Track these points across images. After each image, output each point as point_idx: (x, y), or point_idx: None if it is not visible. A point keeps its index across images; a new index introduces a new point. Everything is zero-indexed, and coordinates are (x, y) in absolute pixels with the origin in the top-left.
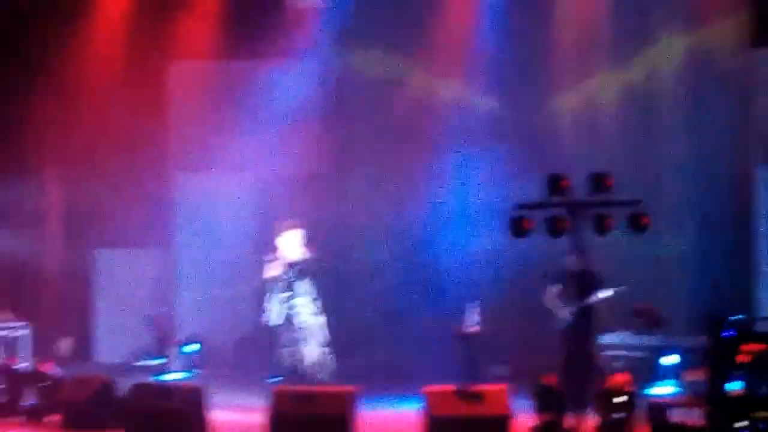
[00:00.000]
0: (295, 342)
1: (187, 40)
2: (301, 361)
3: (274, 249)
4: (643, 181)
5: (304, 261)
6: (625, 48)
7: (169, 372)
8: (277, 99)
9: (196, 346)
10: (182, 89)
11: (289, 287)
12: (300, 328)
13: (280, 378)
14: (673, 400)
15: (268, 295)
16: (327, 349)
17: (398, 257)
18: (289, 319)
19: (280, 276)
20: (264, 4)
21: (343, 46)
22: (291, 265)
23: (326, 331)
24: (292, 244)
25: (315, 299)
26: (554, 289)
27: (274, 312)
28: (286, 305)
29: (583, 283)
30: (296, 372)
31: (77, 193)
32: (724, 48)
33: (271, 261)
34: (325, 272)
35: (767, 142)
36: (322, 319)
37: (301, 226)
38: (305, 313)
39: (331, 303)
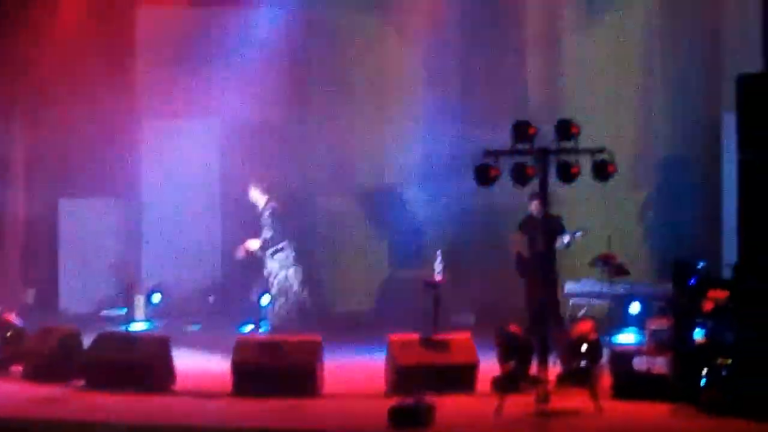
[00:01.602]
0: (270, 290)
1: None
2: (277, 309)
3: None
4: (609, 128)
5: (266, 212)
6: None
7: (134, 322)
8: (244, 45)
9: (158, 297)
10: (149, 36)
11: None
12: (272, 277)
13: (252, 325)
14: (637, 348)
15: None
16: (301, 298)
17: (362, 205)
18: (264, 269)
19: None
20: None
21: None
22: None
23: (297, 281)
24: (256, 198)
25: (280, 250)
26: (518, 236)
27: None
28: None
29: (547, 229)
30: (272, 320)
31: (42, 141)
32: None
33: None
34: (289, 222)
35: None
36: (292, 269)
37: (260, 180)
38: (275, 263)
39: (295, 250)
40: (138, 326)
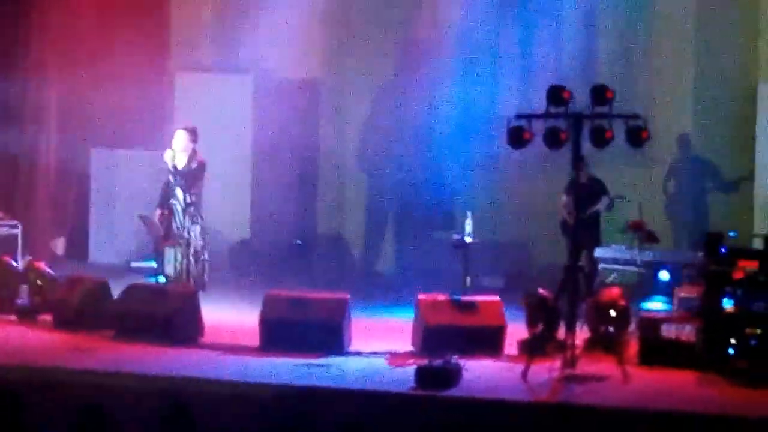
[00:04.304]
0: (175, 244)
1: None
2: (180, 264)
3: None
4: (643, 94)
5: (186, 166)
6: None
7: (163, 275)
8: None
9: None
10: None
11: (173, 190)
12: (177, 230)
13: (163, 278)
14: (666, 316)
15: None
16: (201, 256)
17: (394, 164)
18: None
19: (167, 177)
20: None
21: None
22: (174, 168)
23: (200, 239)
24: (178, 146)
25: (191, 204)
26: (564, 200)
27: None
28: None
29: (590, 193)
30: (175, 275)
31: (75, 91)
32: None
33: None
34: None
35: None
36: (197, 226)
37: (191, 130)
38: (180, 217)
39: (324, 209)
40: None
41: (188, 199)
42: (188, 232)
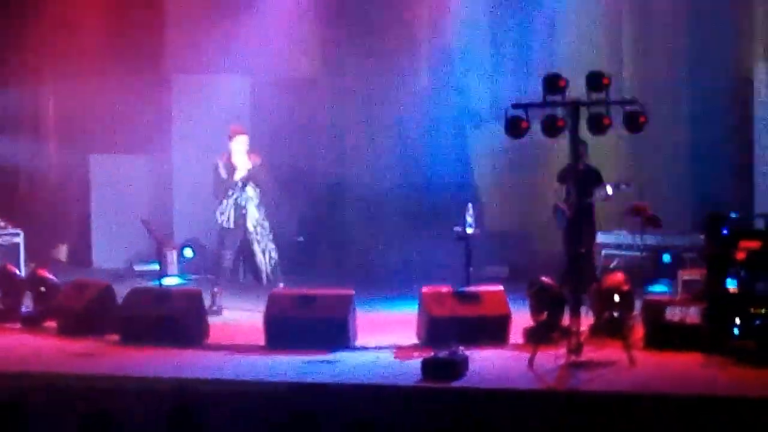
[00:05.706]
0: (241, 245)
1: None
2: (247, 263)
3: (227, 153)
4: (639, 79)
5: (250, 167)
6: None
7: (167, 277)
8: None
9: (189, 252)
10: None
11: (238, 192)
12: (247, 231)
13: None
14: (670, 299)
15: (223, 198)
16: (272, 254)
17: (394, 158)
18: (236, 222)
19: (228, 180)
20: None
21: None
22: (238, 171)
23: (270, 236)
24: (239, 150)
25: (259, 205)
26: (556, 186)
27: (227, 215)
28: (234, 209)
29: (586, 181)
30: (237, 274)
31: (72, 98)
32: None
33: (221, 164)
34: (273, 178)
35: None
36: (266, 224)
37: (247, 132)
38: (251, 217)
39: (327, 205)
40: (171, 281)
41: (259, 199)
42: (263, 229)
